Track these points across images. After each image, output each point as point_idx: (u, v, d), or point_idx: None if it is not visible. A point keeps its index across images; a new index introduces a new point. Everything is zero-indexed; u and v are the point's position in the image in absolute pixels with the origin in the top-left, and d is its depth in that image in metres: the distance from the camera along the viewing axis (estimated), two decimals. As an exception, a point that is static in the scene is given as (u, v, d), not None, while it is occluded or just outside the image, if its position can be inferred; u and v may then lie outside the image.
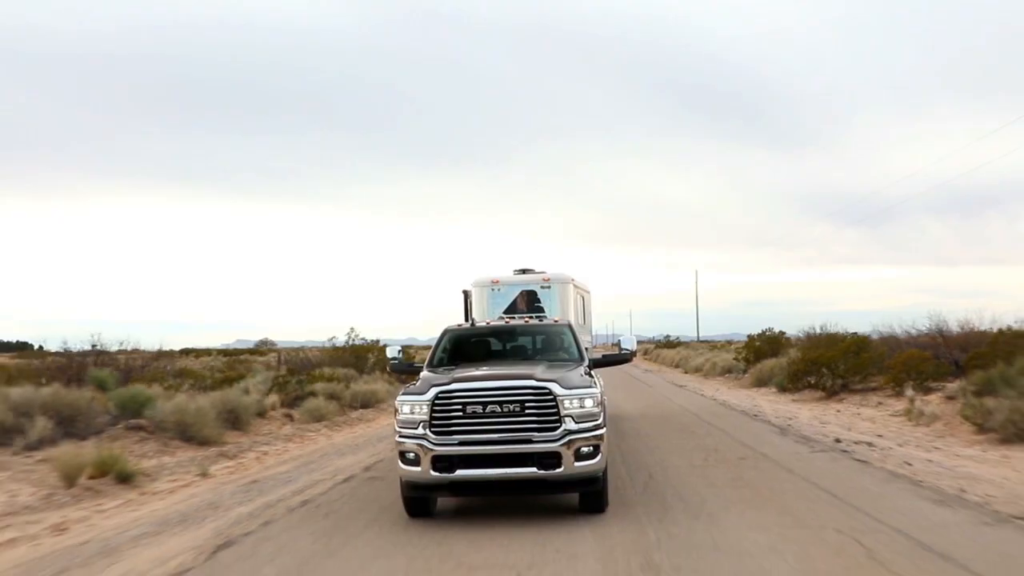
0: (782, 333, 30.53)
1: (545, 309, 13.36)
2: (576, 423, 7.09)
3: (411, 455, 7.23)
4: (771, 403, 20.36)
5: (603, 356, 9.76)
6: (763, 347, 29.09)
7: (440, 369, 8.62)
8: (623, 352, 9.68)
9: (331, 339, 32.69)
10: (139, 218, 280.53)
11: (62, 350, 23.93)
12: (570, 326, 9.81)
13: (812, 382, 21.52)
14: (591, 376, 7.97)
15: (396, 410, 7.57)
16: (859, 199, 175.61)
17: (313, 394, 19.19)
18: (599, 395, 7.43)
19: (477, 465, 7.09)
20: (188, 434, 13.34)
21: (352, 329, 30.67)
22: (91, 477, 9.94)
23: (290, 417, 17.73)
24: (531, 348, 9.69)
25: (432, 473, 7.11)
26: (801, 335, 30.26)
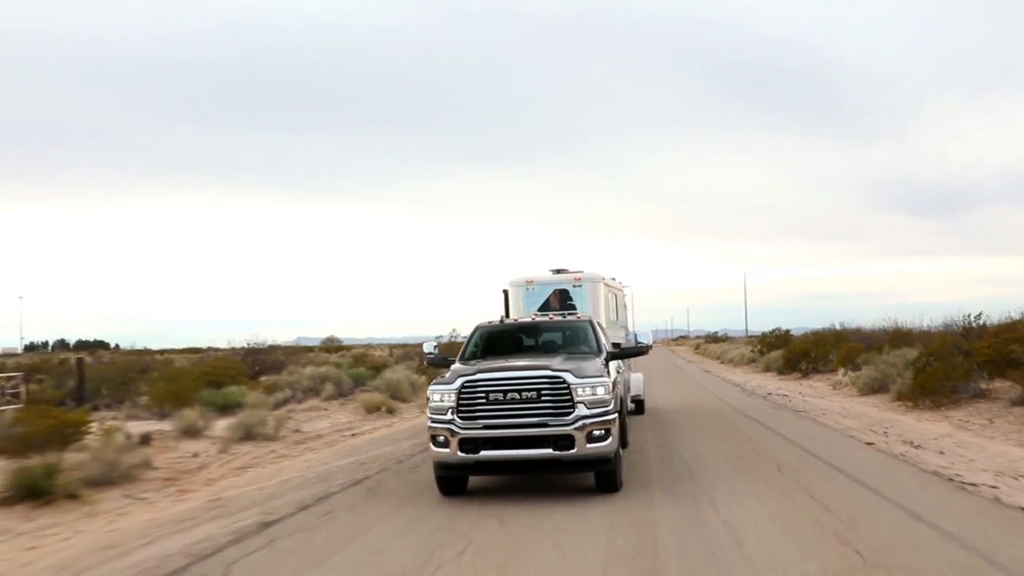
0: (788, 331, 38.98)
1: (577, 307, 13.87)
2: (588, 409, 7.85)
3: (441, 438, 8.10)
4: (760, 380, 29.11)
5: (621, 349, 10.86)
6: (773, 342, 37.60)
7: (471, 362, 9.31)
8: (640, 345, 11.13)
9: (439, 337, 42.33)
10: (196, 218, 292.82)
11: (230, 347, 34.96)
12: (591, 322, 10.53)
13: (801, 367, 30.13)
14: (607, 367, 8.85)
15: (428, 398, 8.39)
16: (929, 187, 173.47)
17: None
18: (611, 384, 8.22)
19: (499, 447, 7.91)
20: (395, 395, 22.94)
21: (454, 329, 39.91)
22: (373, 411, 19.53)
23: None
24: (554, 342, 10.44)
25: (459, 454, 7.97)
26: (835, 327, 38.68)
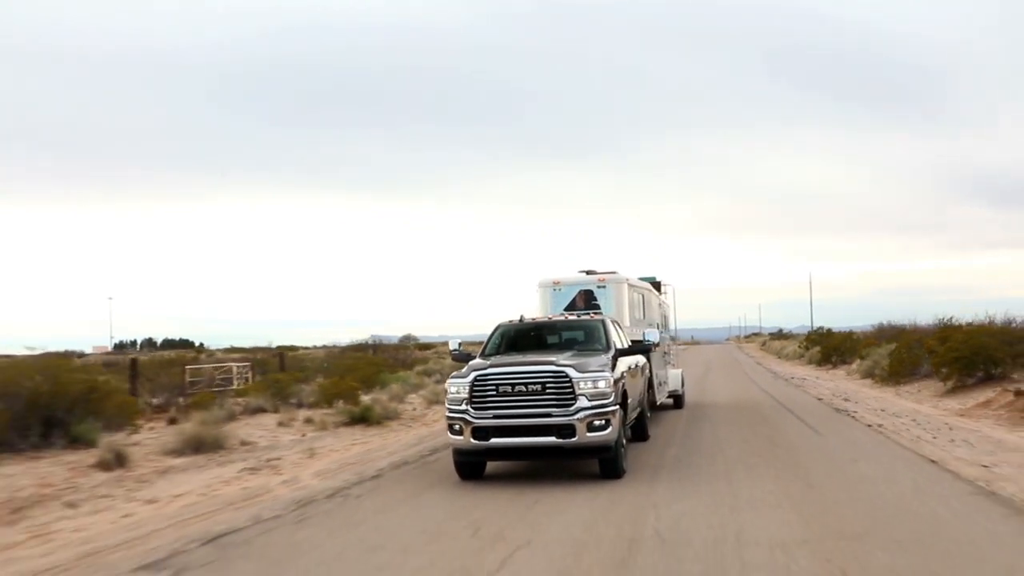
0: (829, 330, 45.48)
1: (601, 307, 14.20)
2: (589, 400, 8.70)
3: (456, 426, 9.03)
4: (796, 370, 36.04)
5: (628, 346, 11.07)
6: (815, 339, 44.19)
7: (490, 358, 10.02)
8: (645, 342, 11.53)
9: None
10: (266, 218, 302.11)
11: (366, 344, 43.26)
12: (603, 321, 11.06)
13: (832, 360, 36.81)
14: (614, 363, 9.65)
15: (446, 390, 9.37)
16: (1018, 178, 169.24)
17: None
18: (611, 378, 8.99)
19: (507, 434, 8.80)
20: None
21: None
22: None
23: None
24: (568, 339, 11.05)
25: (472, 441, 8.90)
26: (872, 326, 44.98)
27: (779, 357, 57.10)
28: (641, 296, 15.91)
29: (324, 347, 62.71)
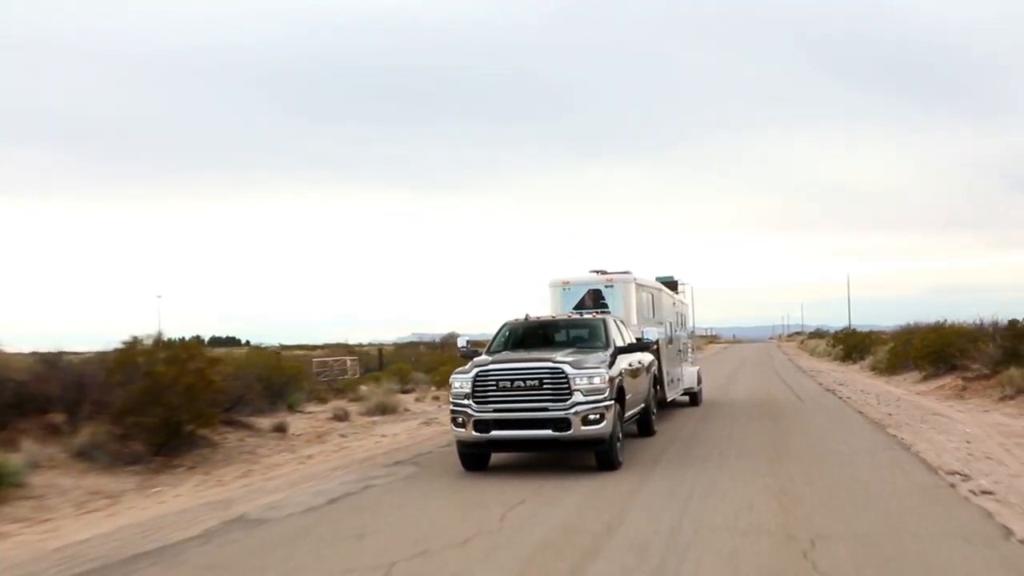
0: (854, 330, 50.41)
1: (609, 306, 14.32)
2: (584, 396, 9.16)
3: (459, 420, 9.58)
4: (820, 365, 41.29)
5: (628, 344, 11.43)
6: (841, 338, 49.18)
7: (495, 355, 10.52)
8: (644, 340, 12.01)
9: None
10: (304, 215, 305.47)
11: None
12: (604, 320, 11.58)
13: (852, 357, 41.86)
14: (613, 360, 10.16)
15: (450, 385, 9.88)
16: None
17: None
18: (606, 375, 9.45)
19: (507, 427, 9.33)
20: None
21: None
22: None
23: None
24: (570, 337, 11.70)
25: (474, 433, 9.44)
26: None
27: (811, 355, 61.85)
28: (651, 296, 16.22)
29: (370, 344, 59.24)
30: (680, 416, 16.20)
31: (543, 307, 14.99)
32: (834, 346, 49.67)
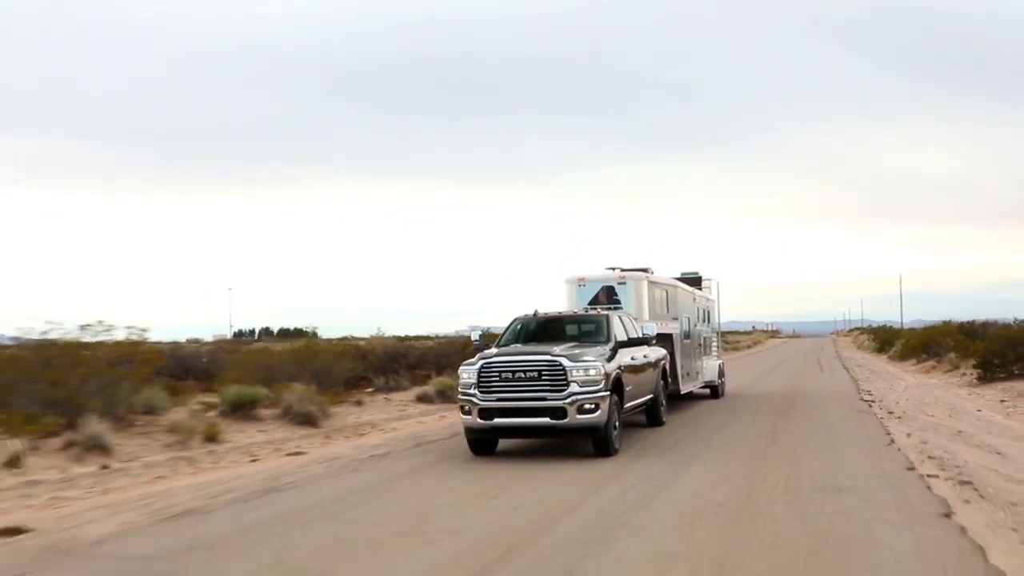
0: (891, 327, 59.40)
1: (621, 302, 14.82)
2: (580, 387, 9.88)
3: (466, 407, 10.28)
4: (857, 355, 50.67)
5: (628, 339, 11.93)
6: (881, 333, 58.35)
7: (504, 348, 11.26)
8: (645, 336, 12.62)
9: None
10: (355, 208, 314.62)
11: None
12: (607, 316, 12.09)
13: (884, 349, 51.05)
14: (614, 353, 10.90)
15: (458, 376, 10.59)
16: None
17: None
18: (602, 368, 10.12)
19: (509, 415, 10.08)
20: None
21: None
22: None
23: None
24: (574, 332, 12.29)
25: (479, 420, 10.17)
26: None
27: (858, 348, 70.67)
28: (665, 292, 16.64)
29: (435, 337, 56.37)
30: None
31: (563, 303, 15.46)
32: (872, 340, 58.82)
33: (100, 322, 12.62)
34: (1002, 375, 20.31)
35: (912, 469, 8.76)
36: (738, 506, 7.23)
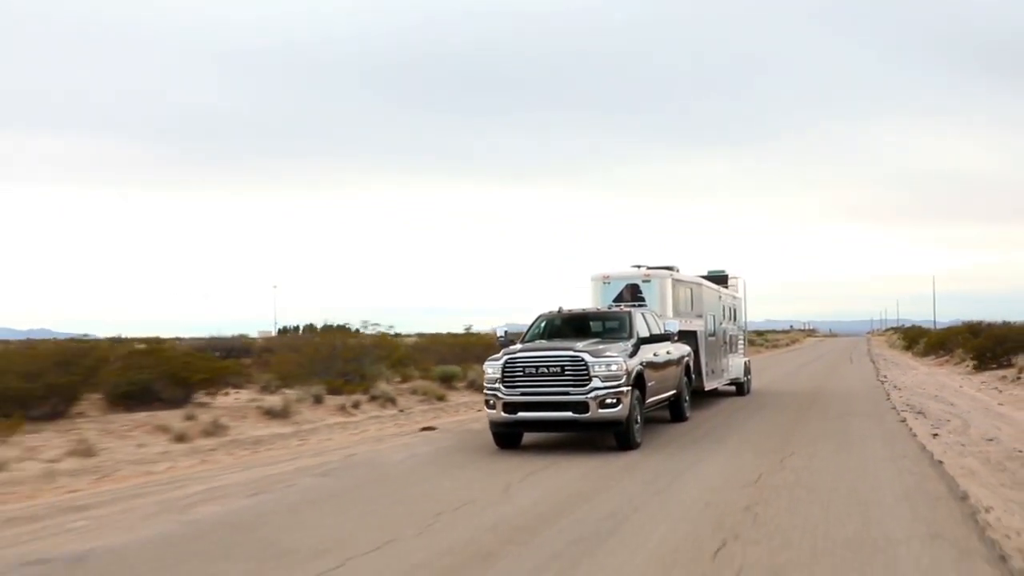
0: (919, 327, 64.67)
1: (645, 299, 14.99)
2: (602, 382, 10.10)
3: (491, 402, 10.60)
4: (886, 351, 56.19)
5: (651, 335, 12.15)
6: (910, 333, 63.72)
7: (527, 344, 11.52)
8: (667, 332, 12.70)
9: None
10: (407, 206, 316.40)
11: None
12: (630, 313, 12.37)
13: (910, 346, 56.54)
14: (636, 349, 11.11)
15: (484, 371, 10.86)
16: None
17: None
18: (624, 363, 10.34)
19: (532, 409, 10.35)
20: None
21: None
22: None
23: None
24: (597, 328, 12.61)
25: (503, 414, 10.46)
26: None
27: (890, 346, 75.83)
28: (689, 290, 16.82)
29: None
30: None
31: (588, 300, 15.68)
32: (901, 339, 64.18)
33: (364, 321, 19.63)
34: (993, 365, 26.22)
35: (894, 409, 15.18)
36: (795, 418, 13.73)
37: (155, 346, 16.50)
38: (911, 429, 12.07)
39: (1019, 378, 20.51)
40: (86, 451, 9.89)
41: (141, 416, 12.24)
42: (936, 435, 11.32)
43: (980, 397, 17.49)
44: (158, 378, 13.34)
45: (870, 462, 9.24)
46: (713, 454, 10.18)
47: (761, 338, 79.37)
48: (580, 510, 7.01)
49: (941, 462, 8.95)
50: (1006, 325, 33.84)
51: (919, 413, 14.16)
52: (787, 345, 79.80)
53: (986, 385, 21.05)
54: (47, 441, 10.34)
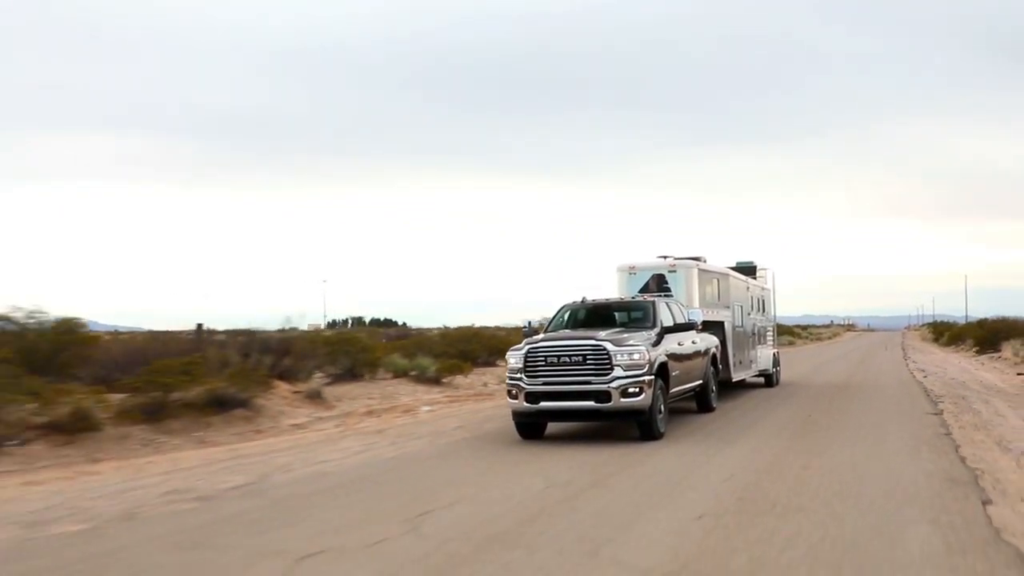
0: (946, 322, 73.99)
1: (672, 290, 14.98)
2: (624, 371, 10.07)
3: (513, 392, 10.54)
4: (918, 344, 65.10)
5: (675, 325, 12.13)
6: (939, 327, 73.10)
7: (549, 334, 11.60)
8: (690, 322, 12.84)
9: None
10: (437, 203, 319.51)
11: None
12: (653, 302, 12.34)
13: (937, 339, 65.83)
14: (660, 339, 11.06)
15: (506, 361, 10.86)
16: None
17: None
18: (646, 352, 10.28)
19: (554, 399, 10.33)
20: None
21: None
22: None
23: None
24: (621, 318, 12.61)
25: (525, 404, 10.42)
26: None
27: (922, 339, 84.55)
28: (716, 281, 16.84)
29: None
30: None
31: (614, 290, 15.55)
32: (931, 333, 73.73)
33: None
34: (991, 350, 36.19)
35: (911, 372, 25.31)
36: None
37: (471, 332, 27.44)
38: (915, 377, 22.17)
39: (999, 356, 30.74)
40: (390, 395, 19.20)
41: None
42: (926, 377, 21.71)
43: (965, 366, 27.70)
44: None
45: (892, 386, 19.43)
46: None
47: (806, 332, 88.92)
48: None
49: (923, 385, 19.16)
50: (1002, 320, 43.53)
51: (923, 372, 24.32)
52: (829, 339, 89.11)
53: (976, 361, 31.15)
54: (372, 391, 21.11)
